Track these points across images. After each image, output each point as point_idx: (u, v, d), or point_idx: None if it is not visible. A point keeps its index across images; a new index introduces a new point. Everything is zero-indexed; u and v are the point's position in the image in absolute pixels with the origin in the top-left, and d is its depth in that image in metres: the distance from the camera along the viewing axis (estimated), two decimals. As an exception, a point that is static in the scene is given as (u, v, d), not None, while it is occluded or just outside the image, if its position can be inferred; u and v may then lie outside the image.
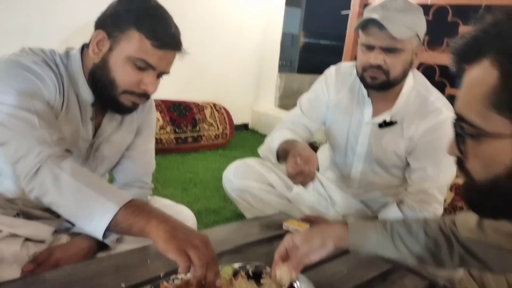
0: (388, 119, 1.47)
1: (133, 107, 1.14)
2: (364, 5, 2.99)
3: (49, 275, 0.97)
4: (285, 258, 0.94)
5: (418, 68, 2.81)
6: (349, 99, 1.57)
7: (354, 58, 3.29)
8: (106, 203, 0.89)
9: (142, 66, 1.06)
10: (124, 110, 1.15)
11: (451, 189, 2.10)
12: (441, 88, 2.68)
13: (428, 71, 2.79)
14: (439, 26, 2.70)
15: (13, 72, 1.01)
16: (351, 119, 1.56)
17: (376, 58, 1.34)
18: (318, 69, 1.69)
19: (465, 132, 0.64)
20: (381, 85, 1.40)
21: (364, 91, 1.50)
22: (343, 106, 1.58)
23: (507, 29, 0.58)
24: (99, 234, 0.89)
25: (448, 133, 1.37)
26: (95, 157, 1.23)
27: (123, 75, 1.06)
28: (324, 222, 1.58)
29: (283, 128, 1.60)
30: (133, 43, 1.04)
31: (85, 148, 1.19)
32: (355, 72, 1.51)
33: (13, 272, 1.00)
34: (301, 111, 1.63)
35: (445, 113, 1.40)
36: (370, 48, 1.35)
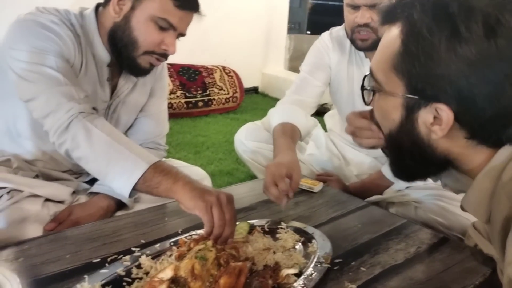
0: None
1: (150, 69, 1.15)
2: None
3: (69, 232, 1.00)
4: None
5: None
6: (348, 62, 1.55)
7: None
8: (137, 160, 0.92)
9: (164, 26, 1.06)
10: (141, 71, 1.15)
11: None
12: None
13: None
14: None
15: (34, 30, 1.02)
16: (353, 81, 1.54)
17: (362, 16, 1.31)
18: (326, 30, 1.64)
19: (371, 86, 0.74)
20: (372, 45, 1.36)
21: (361, 52, 1.49)
22: (344, 70, 1.56)
23: (421, 2, 0.63)
24: (127, 190, 0.92)
25: None
26: (111, 118, 1.24)
27: (145, 34, 1.07)
28: (337, 179, 1.59)
29: (287, 102, 1.55)
30: (156, 2, 1.04)
31: (103, 109, 1.20)
32: (345, 35, 1.48)
33: (35, 231, 1.03)
34: (307, 75, 1.60)
35: None
36: (355, 7, 1.32)
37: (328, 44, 1.57)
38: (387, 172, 1.47)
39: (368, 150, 1.63)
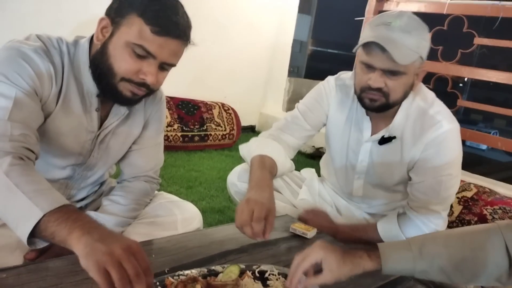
0: (386, 135, 1.40)
1: (133, 98, 1.08)
2: (379, 11, 2.98)
3: (52, 263, 0.95)
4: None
5: (430, 79, 2.82)
6: (348, 116, 1.50)
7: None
8: (31, 208, 0.80)
9: (141, 53, 0.99)
10: (124, 100, 1.08)
11: (459, 202, 2.08)
12: (452, 99, 2.67)
13: (440, 81, 2.77)
14: (453, 37, 2.68)
15: (9, 57, 0.98)
16: (349, 136, 1.50)
17: (376, 81, 1.26)
18: (325, 77, 1.63)
19: None
20: (379, 108, 1.33)
21: (363, 109, 1.43)
22: (342, 122, 1.51)
23: None
24: (24, 240, 0.82)
25: (449, 147, 1.34)
26: (100, 149, 1.20)
27: (120, 61, 1.00)
28: (322, 215, 1.55)
29: (270, 137, 1.50)
30: (133, 29, 0.98)
31: (90, 140, 1.16)
32: (352, 86, 1.44)
33: (15, 259, 0.98)
34: (300, 114, 1.55)
35: (446, 126, 1.33)
36: (370, 68, 1.27)
37: (332, 90, 1.53)
38: (382, 229, 1.44)
39: (359, 205, 1.61)
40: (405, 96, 1.34)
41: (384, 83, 1.27)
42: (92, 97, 1.12)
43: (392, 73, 1.25)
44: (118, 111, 1.18)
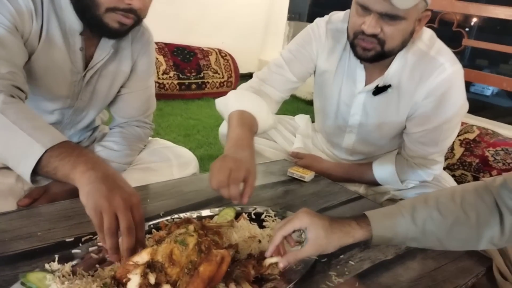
0: (381, 84, 1.28)
1: (121, 29, 1.03)
2: None
3: (44, 209, 0.94)
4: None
5: (434, 18, 2.69)
6: (339, 65, 1.35)
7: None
8: (33, 144, 0.78)
9: None
10: (112, 32, 1.03)
11: (460, 144, 2.05)
12: (458, 38, 2.57)
13: (445, 24, 2.66)
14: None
15: None
16: (341, 87, 1.37)
17: (371, 25, 1.11)
18: None
19: None
20: (373, 57, 1.19)
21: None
22: (332, 72, 1.37)
23: None
24: (26, 178, 0.79)
25: (454, 93, 1.21)
26: (87, 91, 1.16)
27: None
28: (314, 159, 1.50)
29: (251, 89, 1.33)
30: None
31: (76, 81, 1.12)
32: (345, 31, 1.27)
33: (8, 205, 0.97)
34: (284, 63, 1.38)
35: (449, 69, 1.20)
36: (366, 10, 1.12)
37: (322, 36, 1.36)
38: (378, 171, 1.40)
39: (350, 157, 1.55)
40: (403, 44, 1.19)
41: (380, 28, 1.12)
42: (75, 35, 1.06)
43: (390, 17, 1.09)
44: (103, 50, 1.12)
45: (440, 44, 1.25)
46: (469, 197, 0.78)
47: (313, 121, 1.73)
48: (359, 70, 1.31)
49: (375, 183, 1.43)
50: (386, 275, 0.82)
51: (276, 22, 4.34)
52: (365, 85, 1.32)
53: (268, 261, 0.74)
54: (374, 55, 1.18)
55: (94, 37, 1.09)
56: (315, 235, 0.75)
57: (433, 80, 1.21)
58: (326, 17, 1.38)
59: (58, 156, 0.77)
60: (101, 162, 0.77)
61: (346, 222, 0.78)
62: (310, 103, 3.69)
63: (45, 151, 0.77)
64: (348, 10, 1.33)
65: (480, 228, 0.76)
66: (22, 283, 0.64)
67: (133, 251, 0.68)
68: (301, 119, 1.77)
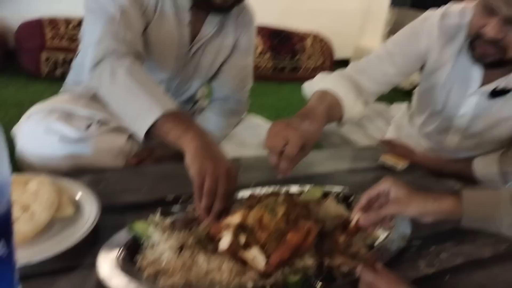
0: (501, 86, 1.16)
1: (225, 4, 1.11)
2: None
3: (150, 168, 1.03)
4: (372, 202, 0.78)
5: None
6: (453, 63, 1.24)
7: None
8: (152, 105, 0.86)
9: None
10: (216, 7, 1.11)
11: None
12: None
13: None
14: None
15: None
16: (452, 87, 1.27)
17: (493, 30, 1.01)
18: (436, 7, 1.31)
19: None
20: (491, 64, 1.11)
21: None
22: (444, 69, 1.27)
23: None
24: (140, 135, 0.88)
25: None
26: (191, 64, 1.25)
27: None
28: (408, 150, 1.40)
29: (343, 77, 1.21)
30: None
31: (182, 54, 1.21)
32: (465, 27, 1.18)
33: (119, 162, 1.09)
34: (386, 55, 1.28)
35: None
36: (491, 11, 1.01)
37: (434, 30, 1.24)
38: (479, 169, 1.29)
39: (449, 154, 1.43)
40: None
41: (503, 34, 1.01)
42: (185, 11, 1.15)
43: None
44: (210, 25, 1.20)
45: None
46: None
47: (410, 110, 1.65)
48: (476, 70, 1.20)
49: (472, 181, 1.33)
50: (481, 273, 0.77)
51: (377, 8, 4.15)
52: (481, 85, 1.21)
53: (353, 221, 0.75)
54: (493, 61, 1.09)
55: (201, 12, 1.17)
56: (397, 194, 0.73)
57: None
58: (440, 10, 1.26)
59: (173, 121, 0.85)
60: (207, 134, 0.85)
61: (433, 193, 0.74)
62: (408, 93, 3.50)
63: (162, 115, 0.85)
64: (467, 5, 1.22)
65: None
66: (129, 229, 0.72)
67: (220, 216, 0.74)
68: (397, 109, 1.70)
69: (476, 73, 1.20)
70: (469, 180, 1.33)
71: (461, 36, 1.20)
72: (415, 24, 1.29)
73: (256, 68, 3.27)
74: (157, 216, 0.77)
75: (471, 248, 0.84)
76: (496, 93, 1.18)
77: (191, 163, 0.78)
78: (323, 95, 1.08)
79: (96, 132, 1.06)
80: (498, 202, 0.72)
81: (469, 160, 1.32)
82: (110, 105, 0.96)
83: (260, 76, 3.18)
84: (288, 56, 3.42)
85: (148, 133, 0.87)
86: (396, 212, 0.73)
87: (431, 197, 0.73)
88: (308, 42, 3.57)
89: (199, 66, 1.26)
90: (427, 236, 0.85)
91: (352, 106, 1.13)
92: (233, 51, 1.30)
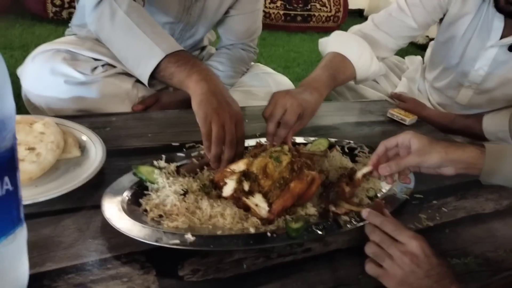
0: None
1: None
2: None
3: (154, 114, 1.03)
4: (388, 153, 0.77)
5: None
6: (475, 12, 1.21)
7: None
8: (154, 48, 0.83)
9: None
10: None
11: None
12: None
13: None
14: None
15: None
16: (471, 38, 1.24)
17: None
18: None
19: None
20: None
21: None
22: (465, 20, 1.24)
23: None
24: (145, 79, 0.86)
25: None
26: (196, 7, 1.19)
27: None
28: (418, 104, 1.39)
29: (360, 32, 1.21)
30: None
31: None
32: None
33: (124, 107, 1.08)
34: (406, 7, 1.24)
35: None
36: None
37: None
38: (489, 125, 1.27)
39: (461, 111, 1.40)
40: None
41: None
42: None
43: None
44: None
45: None
46: None
47: (423, 64, 1.61)
48: (497, 21, 1.17)
49: (481, 138, 1.31)
50: (481, 227, 0.78)
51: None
52: (501, 38, 1.18)
53: (360, 172, 0.75)
54: None
55: None
56: (418, 144, 0.71)
57: None
58: None
59: (176, 62, 0.82)
60: (213, 75, 0.81)
61: (455, 142, 0.73)
62: (422, 47, 3.40)
63: (165, 56, 0.82)
64: None
65: None
66: (134, 173, 0.73)
67: (231, 162, 0.73)
68: (411, 61, 1.65)
69: (498, 24, 1.17)
70: (477, 137, 1.31)
71: None
72: None
73: (266, 16, 3.19)
74: (162, 162, 0.78)
75: (473, 203, 0.85)
76: None
77: (197, 108, 0.75)
78: (333, 59, 1.08)
79: (102, 75, 1.04)
80: None
81: (479, 116, 1.30)
82: (112, 49, 0.93)
83: (270, 25, 3.10)
84: (301, 4, 3.29)
85: (153, 76, 0.85)
86: (418, 163, 0.71)
87: (454, 145, 0.71)
88: (322, -11, 3.43)
89: (205, 9, 1.21)
90: (430, 190, 0.86)
91: (367, 67, 1.13)
92: None
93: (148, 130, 0.94)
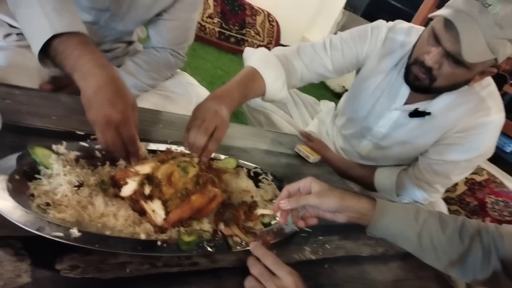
0: (421, 109, 1.26)
1: None
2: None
3: (64, 97, 0.97)
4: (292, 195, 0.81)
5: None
6: (386, 74, 1.31)
7: (424, 25, 3.09)
8: (44, 26, 0.76)
9: None
10: None
11: (465, 183, 2.05)
12: (500, 82, 2.52)
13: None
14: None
15: None
16: (379, 97, 1.34)
17: (433, 59, 1.08)
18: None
19: None
20: (419, 88, 1.19)
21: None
22: (377, 79, 1.33)
23: None
24: (35, 57, 0.79)
25: (487, 138, 1.20)
26: (125, 2, 1.13)
27: None
28: (323, 146, 1.49)
29: (281, 55, 1.26)
30: None
31: None
32: (407, 46, 1.25)
33: (33, 83, 1.00)
34: (328, 47, 1.31)
35: (494, 115, 1.19)
36: (436, 41, 1.07)
37: (379, 40, 1.30)
38: (379, 177, 1.41)
39: (360, 161, 1.52)
40: (452, 88, 1.17)
41: (438, 64, 1.09)
42: None
43: (454, 60, 1.06)
44: None
45: (493, 88, 1.24)
46: (470, 227, 0.80)
47: (335, 110, 1.73)
48: (404, 88, 1.28)
49: (371, 188, 1.44)
50: (356, 268, 0.85)
51: (332, 6, 4.26)
52: (405, 103, 1.30)
53: (261, 211, 0.77)
54: (420, 86, 1.17)
55: None
56: (318, 188, 0.76)
57: (475, 119, 1.20)
58: (390, 23, 1.34)
59: (65, 45, 0.76)
60: (105, 64, 0.76)
61: (352, 192, 0.80)
62: (337, 95, 3.67)
63: (55, 36, 0.75)
64: (413, 26, 1.32)
65: (471, 252, 0.78)
66: (28, 154, 0.68)
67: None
68: (325, 105, 1.78)
69: (405, 90, 1.29)
70: (369, 187, 1.45)
71: (400, 53, 1.28)
72: (365, 28, 1.34)
73: (201, 29, 3.20)
74: (62, 147, 0.73)
75: (353, 245, 0.93)
76: (415, 114, 1.28)
77: (86, 106, 0.71)
78: (251, 75, 1.14)
79: (15, 44, 0.95)
80: (405, 216, 0.80)
81: (373, 168, 1.43)
82: (15, 17, 0.84)
83: (203, 38, 3.11)
84: (237, 26, 3.37)
85: (48, 55, 0.77)
86: (316, 204, 0.76)
87: (350, 194, 0.78)
88: (259, 19, 3.55)
89: (135, 5, 1.16)
90: (318, 226, 0.91)
91: (276, 93, 1.19)
92: (176, 2, 1.21)
93: (53, 112, 0.88)
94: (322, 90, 3.43)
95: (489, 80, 1.22)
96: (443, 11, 1.04)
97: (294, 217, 0.79)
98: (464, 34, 0.99)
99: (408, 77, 1.20)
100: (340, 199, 0.76)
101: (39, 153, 0.67)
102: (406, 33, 1.30)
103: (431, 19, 1.12)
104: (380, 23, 1.34)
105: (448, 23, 1.03)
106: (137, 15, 1.20)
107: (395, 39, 1.30)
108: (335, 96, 3.66)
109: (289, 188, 0.79)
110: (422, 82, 1.16)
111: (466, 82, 1.15)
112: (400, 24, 1.33)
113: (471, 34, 0.99)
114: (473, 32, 0.99)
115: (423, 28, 1.23)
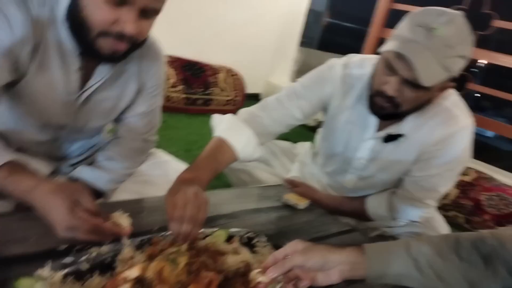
0: (393, 132, 1.29)
1: (115, 55, 0.96)
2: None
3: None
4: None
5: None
6: (352, 109, 1.35)
7: (377, 44, 3.23)
8: None
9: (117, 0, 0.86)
10: (106, 58, 0.97)
11: (457, 186, 2.07)
12: (462, 81, 2.60)
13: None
14: (472, 17, 2.59)
15: None
16: (351, 131, 1.37)
17: (393, 88, 1.12)
18: (339, 50, 1.45)
19: None
20: (386, 116, 1.24)
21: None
22: (344, 115, 1.37)
23: None
24: None
25: (461, 144, 1.24)
26: (83, 111, 1.11)
27: (94, 11, 0.87)
28: (309, 189, 1.48)
29: (247, 118, 1.31)
30: None
31: (72, 100, 1.07)
32: (364, 78, 1.29)
33: (3, 207, 0.98)
34: (293, 96, 1.37)
35: (463, 121, 1.23)
36: (391, 70, 1.11)
37: (337, 78, 1.34)
38: (371, 206, 1.41)
39: (348, 194, 1.51)
40: (417, 108, 1.21)
41: (398, 92, 1.12)
42: (72, 56, 1.00)
43: (413, 85, 1.10)
44: (102, 71, 1.06)
45: (455, 96, 1.28)
46: (464, 242, 0.78)
47: (313, 149, 1.75)
48: (372, 118, 1.31)
49: (366, 218, 1.44)
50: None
51: (288, 47, 4.42)
52: (377, 131, 1.33)
53: (255, 276, 0.75)
54: (387, 114, 1.21)
55: (94, 59, 1.03)
56: (302, 246, 0.77)
57: (447, 130, 1.24)
58: (343, 59, 1.38)
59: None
60: (33, 189, 0.86)
61: (339, 246, 0.79)
62: (312, 129, 3.71)
63: None
64: (365, 56, 1.37)
65: (469, 270, 0.75)
66: None
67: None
68: (302, 148, 1.79)
69: (372, 120, 1.32)
70: (363, 218, 1.44)
71: (360, 85, 1.32)
72: (322, 70, 1.39)
73: (167, 99, 3.26)
74: (46, 270, 0.71)
75: None
76: (389, 138, 1.31)
77: (51, 226, 0.82)
78: (219, 147, 1.20)
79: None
80: (396, 251, 0.78)
81: (363, 199, 1.43)
82: None
83: (171, 107, 3.16)
84: (201, 88, 3.45)
85: None
86: (301, 261, 0.74)
87: (335, 247, 0.77)
88: (221, 76, 3.64)
89: (95, 113, 1.14)
90: None
91: (248, 157, 1.24)
92: (138, 96, 1.19)
93: (31, 232, 0.85)
94: (296, 127, 3.45)
95: (449, 90, 1.26)
96: (391, 45, 1.09)
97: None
98: (417, 61, 1.03)
99: (373, 108, 1.23)
100: (325, 251, 0.76)
101: (24, 285, 0.66)
102: (359, 65, 1.34)
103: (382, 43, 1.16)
104: (334, 61, 1.38)
105: (399, 54, 1.07)
106: (98, 120, 1.19)
107: (351, 74, 1.34)
108: (310, 130, 3.70)
109: (275, 255, 0.78)
110: (387, 110, 1.19)
111: (430, 100, 1.20)
112: (352, 58, 1.38)
113: (423, 61, 1.03)
114: (425, 58, 1.02)
115: (374, 56, 1.28)
